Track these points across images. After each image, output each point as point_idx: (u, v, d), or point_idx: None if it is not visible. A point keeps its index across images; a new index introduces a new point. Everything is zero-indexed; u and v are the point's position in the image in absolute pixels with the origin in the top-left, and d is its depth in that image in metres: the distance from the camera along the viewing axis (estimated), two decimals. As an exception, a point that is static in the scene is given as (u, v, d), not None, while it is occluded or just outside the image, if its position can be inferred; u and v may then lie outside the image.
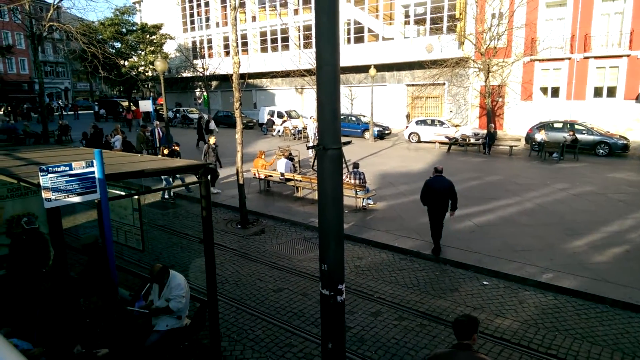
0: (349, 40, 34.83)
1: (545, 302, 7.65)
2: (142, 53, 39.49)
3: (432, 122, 26.90)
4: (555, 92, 28.34)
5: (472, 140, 24.10)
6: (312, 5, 35.98)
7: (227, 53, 42.52)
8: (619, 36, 26.28)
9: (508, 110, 29.71)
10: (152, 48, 40.20)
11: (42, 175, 3.97)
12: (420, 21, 32.67)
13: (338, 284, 4.32)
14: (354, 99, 34.47)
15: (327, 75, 4.01)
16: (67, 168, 4.13)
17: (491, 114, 26.58)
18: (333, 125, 4.08)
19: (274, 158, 15.88)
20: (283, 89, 41.02)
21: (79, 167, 4.20)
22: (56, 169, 4.05)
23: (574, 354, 6.15)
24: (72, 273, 7.82)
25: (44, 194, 3.99)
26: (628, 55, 25.90)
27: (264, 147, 21.63)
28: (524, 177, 16.78)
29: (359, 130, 28.73)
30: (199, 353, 6.08)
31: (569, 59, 27.59)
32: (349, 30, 34.71)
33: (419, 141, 26.41)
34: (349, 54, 33.82)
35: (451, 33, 30.13)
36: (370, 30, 34.05)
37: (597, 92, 27.27)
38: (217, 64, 37.34)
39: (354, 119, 29.69)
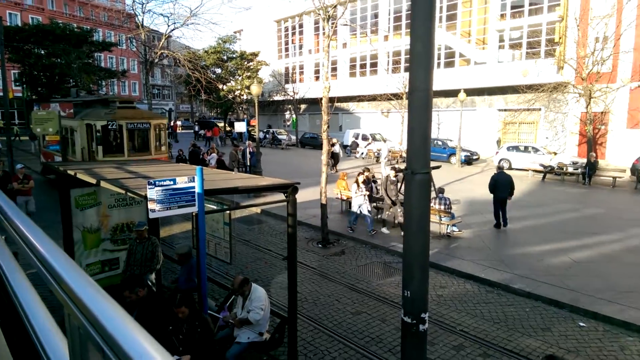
0: (438, 65, 34.38)
1: (653, 352, 6.84)
2: (240, 78, 42.03)
3: (526, 149, 25.53)
4: (669, 120, 25.67)
5: (570, 170, 22.46)
6: (402, 31, 36.23)
7: (317, 78, 43.90)
8: None
9: (611, 138, 27.34)
10: (249, 73, 42.65)
11: (149, 188, 4.38)
12: (515, 45, 31.45)
13: (421, 312, 4.22)
14: (441, 123, 33.78)
15: (419, 101, 4.02)
16: (172, 182, 4.51)
17: (592, 142, 24.61)
18: (423, 150, 4.07)
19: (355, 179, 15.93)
20: (369, 112, 41.34)
21: (181, 182, 4.57)
22: (162, 182, 4.45)
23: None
24: (165, 282, 8.49)
25: (150, 205, 4.39)
26: None
27: (346, 169, 21.85)
28: (629, 211, 15.26)
29: (445, 155, 28.02)
30: (277, 368, 6.22)
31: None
32: (439, 55, 34.31)
33: (510, 168, 25.11)
34: (438, 78, 33.17)
35: (549, 57, 28.62)
36: (461, 55, 33.41)
37: None
38: (306, 89, 38.65)
39: (440, 143, 29.05)
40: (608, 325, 7.60)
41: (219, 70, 46.05)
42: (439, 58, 34.54)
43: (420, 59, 4.01)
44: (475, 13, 32.95)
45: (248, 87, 41.94)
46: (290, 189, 5.62)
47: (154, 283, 7.68)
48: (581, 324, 7.71)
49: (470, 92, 30.92)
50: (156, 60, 22.16)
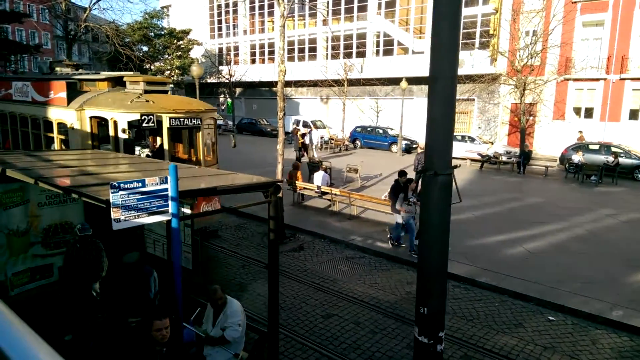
0: (377, 53, 34.42)
1: (620, 343, 6.97)
2: (169, 57, 39.49)
3: (463, 138, 26.24)
4: (588, 112, 27.52)
5: (504, 159, 23.37)
6: (342, 16, 35.73)
7: (253, 60, 42.43)
8: (659, 59, 25.46)
9: (539, 129, 28.92)
10: (179, 53, 40.16)
11: (112, 192, 3.49)
12: (451, 35, 32.13)
13: (439, 330, 3.76)
14: (380, 111, 33.96)
15: (444, 90, 3.51)
16: (140, 184, 3.65)
17: (524, 132, 25.81)
18: (446, 147, 3.57)
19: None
20: (308, 99, 40.68)
21: (152, 184, 3.71)
22: (128, 185, 3.57)
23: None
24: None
25: (113, 214, 3.50)
26: (668, 79, 25.05)
27: (290, 157, 21.16)
28: (566, 200, 16.04)
29: (386, 144, 28.19)
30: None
31: (605, 79, 26.78)
32: (378, 42, 34.32)
33: (448, 157, 25.73)
34: (376, 66, 33.40)
35: (484, 49, 29.55)
36: (399, 44, 33.63)
37: (633, 115, 26.39)
38: (242, 72, 37.16)
39: (380, 131, 29.17)
40: (575, 319, 7.69)
41: (145, 48, 43.01)
42: (377, 45, 34.59)
43: (445, 41, 3.48)
44: (414, 1, 33.22)
45: (179, 68, 39.63)
46: (272, 189, 4.91)
47: (98, 293, 6.62)
48: (550, 317, 7.74)
49: (409, 81, 31.26)
50: (79, 34, 19.93)
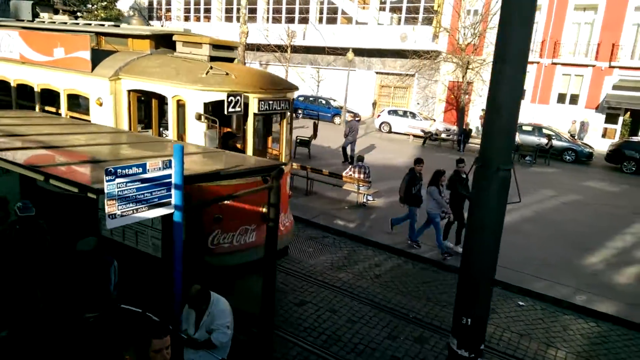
0: (320, 20, 33.41)
1: (589, 329, 7.19)
2: (94, 7, 35.68)
3: (405, 114, 26.40)
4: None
5: (443, 136, 23.85)
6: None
7: (187, 18, 39.59)
8: (586, 46, 27.00)
9: (473, 108, 29.83)
10: (105, 3, 36.38)
11: (107, 180, 2.65)
12: (396, 9, 31.89)
13: (481, 343, 3.37)
14: (321, 80, 33.25)
15: (512, 71, 2.99)
16: (140, 170, 2.82)
17: (462, 110, 26.49)
18: (509, 139, 3.09)
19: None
20: (247, 63, 38.83)
21: (153, 169, 2.89)
22: (126, 170, 2.73)
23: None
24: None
25: (109, 208, 2.68)
26: (593, 66, 26.69)
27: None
28: (508, 180, 16.62)
29: (329, 115, 27.69)
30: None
31: (538, 63, 28.06)
32: (321, 9, 33.28)
33: (390, 131, 25.86)
34: (319, 34, 32.45)
35: (427, 24, 29.62)
36: (344, 13, 32.83)
37: (561, 98, 28.02)
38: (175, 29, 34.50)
39: (323, 102, 28.57)
40: (543, 303, 7.84)
41: (62, -5, 38.50)
42: (320, 12, 33.56)
43: (518, 14, 2.94)
44: (359, -30, 32.39)
45: (107, 19, 35.97)
46: (274, 172, 4.21)
47: (39, 284, 5.57)
48: (520, 302, 7.84)
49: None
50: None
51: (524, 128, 23.62)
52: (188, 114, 6.16)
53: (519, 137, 21.73)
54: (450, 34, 25.58)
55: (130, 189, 2.78)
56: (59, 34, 7.44)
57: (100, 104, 6.77)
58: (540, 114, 27.55)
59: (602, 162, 22.41)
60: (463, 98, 24.47)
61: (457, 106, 26.89)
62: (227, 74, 6.34)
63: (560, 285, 8.27)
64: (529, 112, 27.84)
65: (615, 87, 26.28)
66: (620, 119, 26.69)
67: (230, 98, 5.85)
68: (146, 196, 2.90)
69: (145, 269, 5.47)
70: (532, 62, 27.89)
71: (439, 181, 9.14)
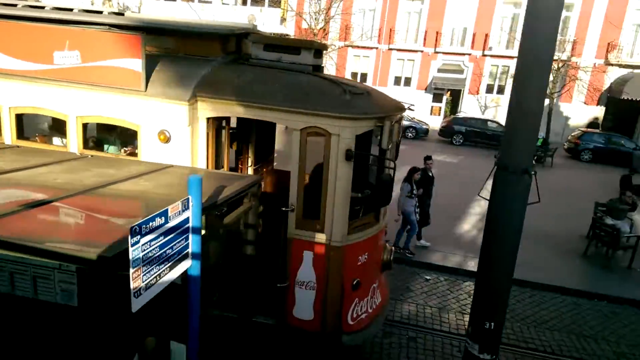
0: (158, -5, 30.76)
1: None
2: None
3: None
4: (364, 77, 30.89)
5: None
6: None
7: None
8: (415, 33, 30.07)
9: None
10: None
11: (133, 241, 1.93)
12: (240, -12, 31.03)
13: (499, 344, 3.49)
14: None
15: (538, 75, 3.02)
16: (162, 219, 2.13)
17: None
18: (532, 142, 3.15)
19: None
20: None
21: (174, 213, 2.22)
22: (150, 224, 2.04)
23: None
24: None
25: (134, 282, 1.96)
26: (422, 51, 29.91)
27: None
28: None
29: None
30: None
31: (377, 48, 30.34)
32: (157, -17, 30.60)
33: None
34: (156, 11, 29.88)
35: (275, 7, 29.54)
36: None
37: (397, 81, 30.84)
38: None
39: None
40: (444, 274, 8.63)
41: None
42: (157, -12, 30.85)
43: (544, 7, 2.94)
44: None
45: None
46: (253, 188, 3.69)
47: None
48: (426, 277, 8.47)
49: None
50: None
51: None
52: (332, 152, 4.36)
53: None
54: (299, 17, 25.88)
55: (154, 248, 2.09)
56: (65, 28, 4.61)
57: (167, 140, 4.64)
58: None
59: (436, 136, 25.54)
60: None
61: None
62: (368, 93, 4.70)
63: (452, 255, 9.21)
64: (371, 94, 30.10)
65: (439, 70, 29.93)
66: (444, 98, 30.56)
67: (378, 125, 4.44)
68: (167, 253, 2.21)
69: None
70: (372, 48, 30.08)
71: (412, 178, 8.90)
